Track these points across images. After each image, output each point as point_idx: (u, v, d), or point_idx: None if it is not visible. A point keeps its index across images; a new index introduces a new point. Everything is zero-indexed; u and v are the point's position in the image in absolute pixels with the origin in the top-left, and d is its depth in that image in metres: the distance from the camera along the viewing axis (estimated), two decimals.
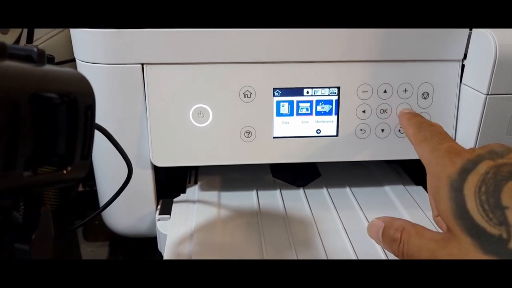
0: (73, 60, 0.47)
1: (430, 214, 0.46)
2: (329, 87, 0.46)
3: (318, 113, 0.47)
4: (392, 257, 0.42)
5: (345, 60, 0.45)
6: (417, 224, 0.30)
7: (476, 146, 0.45)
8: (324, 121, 0.47)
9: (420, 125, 0.35)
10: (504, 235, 0.24)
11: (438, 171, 0.28)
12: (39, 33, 0.60)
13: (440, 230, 0.34)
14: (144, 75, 0.44)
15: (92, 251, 0.57)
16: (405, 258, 0.30)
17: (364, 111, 0.47)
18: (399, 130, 0.47)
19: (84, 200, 0.63)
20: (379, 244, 0.32)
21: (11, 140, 0.20)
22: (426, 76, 0.46)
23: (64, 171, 0.24)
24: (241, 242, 0.44)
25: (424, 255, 0.28)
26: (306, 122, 0.47)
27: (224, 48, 0.43)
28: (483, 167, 0.26)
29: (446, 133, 0.32)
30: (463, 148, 0.29)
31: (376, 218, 0.33)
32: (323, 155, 0.48)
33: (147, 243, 0.52)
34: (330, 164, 0.60)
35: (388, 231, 0.31)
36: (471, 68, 0.45)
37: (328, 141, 0.47)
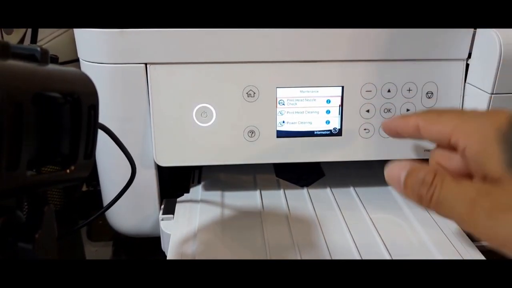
0: (77, 60, 0.47)
1: (435, 214, 0.46)
2: (333, 87, 0.46)
3: (322, 113, 0.46)
4: (395, 256, 0.42)
5: (349, 59, 0.45)
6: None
7: None
8: (327, 121, 0.47)
9: (422, 112, 0.31)
10: None
11: (480, 126, 0.26)
12: (43, 33, 0.60)
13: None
14: (147, 75, 0.44)
15: (96, 250, 0.57)
16: (431, 206, 0.26)
17: (368, 111, 0.47)
18: None
19: (87, 200, 0.63)
20: (398, 191, 0.28)
21: (14, 140, 0.20)
22: (431, 75, 0.46)
23: (68, 171, 0.24)
24: (244, 241, 0.44)
25: (460, 203, 0.25)
26: (309, 121, 0.47)
27: (227, 47, 0.43)
28: None
29: None
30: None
31: (398, 161, 0.28)
32: (327, 154, 0.48)
33: (151, 243, 0.52)
34: (334, 164, 0.60)
35: (417, 173, 0.27)
36: (476, 67, 0.45)
37: (332, 140, 0.47)
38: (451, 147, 0.28)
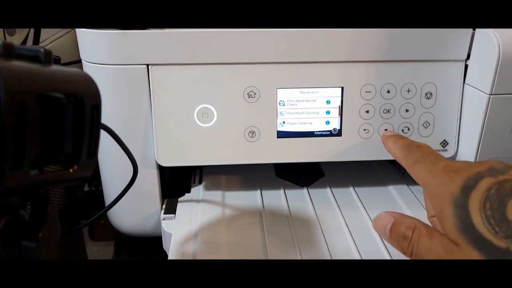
0: (79, 61, 0.47)
1: None
2: (332, 87, 0.46)
3: (322, 113, 0.47)
4: (396, 257, 0.42)
5: (349, 60, 0.45)
6: (428, 225, 0.30)
7: (480, 146, 0.45)
8: (327, 121, 0.47)
9: (408, 147, 0.35)
10: None
11: (440, 191, 0.29)
12: (45, 34, 0.61)
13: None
14: (149, 76, 0.44)
15: (98, 250, 0.57)
16: (412, 257, 0.30)
17: (367, 111, 0.47)
18: (402, 130, 0.47)
19: (89, 199, 0.63)
20: (383, 238, 0.32)
21: (19, 139, 0.20)
22: (430, 76, 0.47)
23: (71, 170, 0.25)
24: (245, 241, 0.44)
25: (432, 258, 0.28)
26: (309, 122, 0.47)
27: (228, 48, 0.44)
28: (484, 184, 0.27)
29: (436, 153, 0.33)
30: (460, 166, 0.29)
31: (385, 212, 0.32)
32: (327, 154, 0.48)
33: (152, 242, 0.52)
34: (334, 164, 0.60)
35: (399, 228, 0.31)
36: (475, 68, 0.45)
37: (331, 141, 0.47)
38: None
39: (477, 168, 0.28)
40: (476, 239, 0.26)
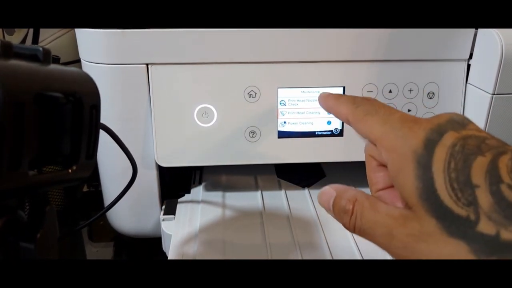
0: (78, 61, 0.47)
1: None
2: (334, 87, 0.46)
3: (323, 113, 0.46)
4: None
5: (350, 60, 0.45)
6: (372, 196, 0.28)
7: None
8: (329, 121, 0.47)
9: (354, 101, 0.30)
10: (472, 217, 0.22)
11: (399, 145, 0.25)
12: (44, 34, 0.60)
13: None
14: (149, 76, 0.44)
15: (97, 251, 0.57)
16: (356, 232, 0.27)
17: None
18: None
19: (89, 200, 0.63)
20: (329, 214, 0.29)
21: (16, 140, 0.20)
22: (432, 76, 0.46)
23: (69, 171, 0.24)
24: (245, 242, 0.44)
25: (380, 232, 0.26)
26: (310, 122, 0.47)
27: (228, 48, 0.43)
28: (449, 138, 0.24)
29: (387, 105, 0.29)
30: (417, 117, 0.26)
31: (328, 186, 0.29)
32: (328, 155, 0.47)
33: (152, 244, 0.52)
34: (335, 165, 0.60)
35: (340, 201, 0.28)
36: (477, 67, 0.45)
37: (333, 141, 0.47)
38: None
39: (437, 120, 0.25)
40: (437, 206, 0.23)
